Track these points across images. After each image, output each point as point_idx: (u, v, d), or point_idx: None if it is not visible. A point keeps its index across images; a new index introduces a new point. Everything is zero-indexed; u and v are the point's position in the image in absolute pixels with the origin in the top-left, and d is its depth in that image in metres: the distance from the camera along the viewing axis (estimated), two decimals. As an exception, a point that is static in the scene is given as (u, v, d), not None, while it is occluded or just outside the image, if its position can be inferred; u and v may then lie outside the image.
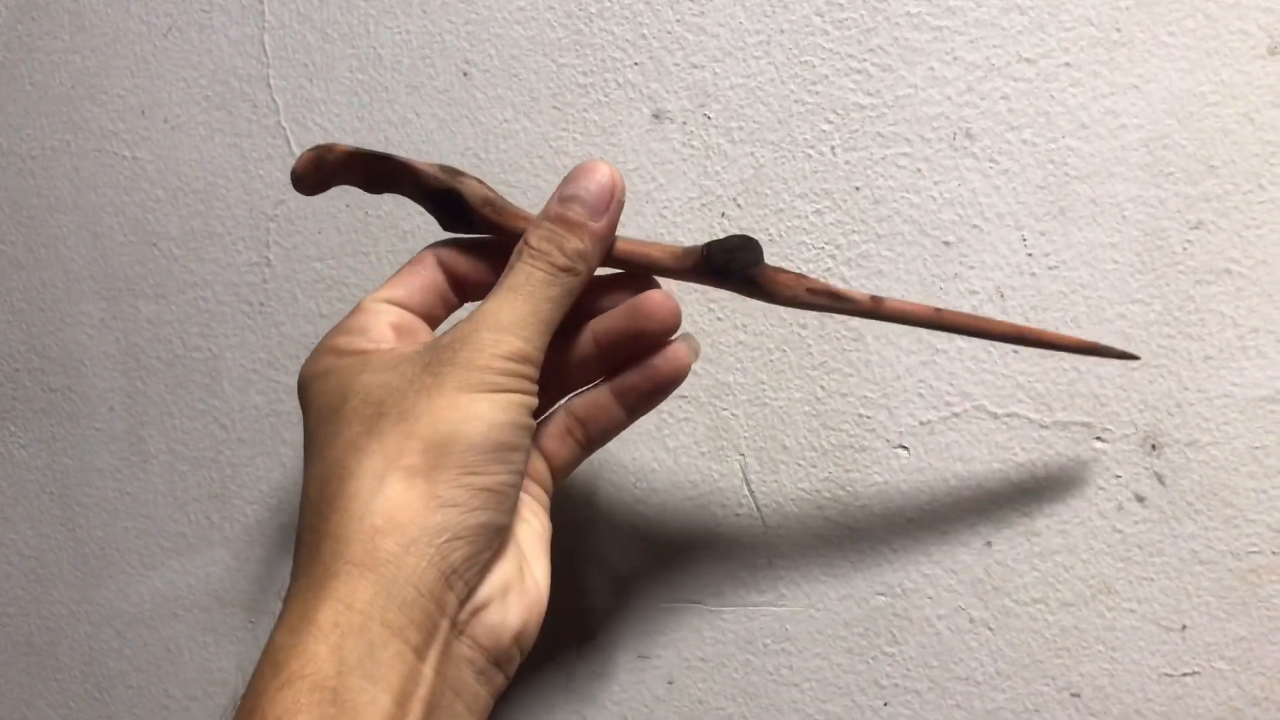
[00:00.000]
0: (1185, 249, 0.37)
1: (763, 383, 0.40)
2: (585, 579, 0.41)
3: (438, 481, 0.28)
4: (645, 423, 0.40)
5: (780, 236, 0.39)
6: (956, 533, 0.38)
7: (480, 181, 0.33)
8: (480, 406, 0.29)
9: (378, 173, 0.33)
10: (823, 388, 0.39)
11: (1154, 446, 0.37)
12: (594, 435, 0.34)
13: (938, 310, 0.33)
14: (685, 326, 0.40)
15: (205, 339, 0.45)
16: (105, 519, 0.46)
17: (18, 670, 0.48)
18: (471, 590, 0.29)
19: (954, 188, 0.38)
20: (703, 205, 0.40)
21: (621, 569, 0.41)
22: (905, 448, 0.39)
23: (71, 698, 0.48)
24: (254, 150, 0.44)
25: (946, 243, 0.38)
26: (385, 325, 0.32)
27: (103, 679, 0.47)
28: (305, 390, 0.32)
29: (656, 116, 0.40)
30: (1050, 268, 0.38)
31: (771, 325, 0.39)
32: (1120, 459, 0.37)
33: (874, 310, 0.33)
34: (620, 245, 0.33)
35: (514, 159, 0.41)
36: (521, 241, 0.31)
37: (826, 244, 0.39)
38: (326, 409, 0.30)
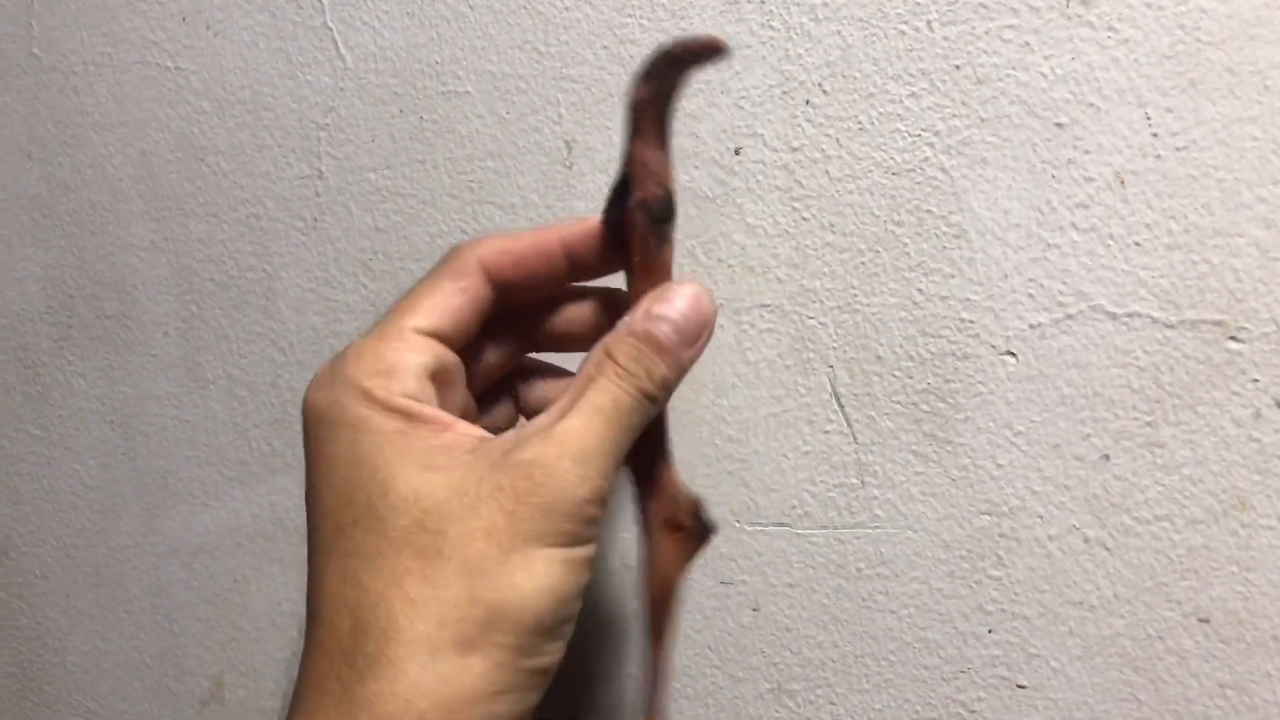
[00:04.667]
0: (1338, 120, 0.32)
1: (853, 287, 0.36)
2: (663, 502, 0.39)
3: (494, 661, 0.25)
4: (724, 335, 0.37)
5: (872, 124, 0.35)
6: (1070, 446, 0.35)
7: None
8: (555, 572, 0.25)
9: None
10: (920, 290, 0.36)
11: (1298, 346, 0.33)
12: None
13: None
14: (767, 224, 0.37)
15: (259, 259, 0.43)
16: (166, 448, 0.45)
17: (88, 602, 0.47)
18: None
19: (1067, 62, 0.34)
20: (784, 93, 0.36)
21: (701, 491, 0.38)
22: (1013, 354, 0.35)
23: (142, 629, 0.47)
24: (300, 55, 0.41)
25: (1059, 124, 0.34)
26: (423, 374, 0.27)
27: (172, 610, 0.46)
28: (320, 438, 0.27)
29: (731, -3, 0.37)
30: (1178, 149, 0.33)
31: (863, 224, 0.36)
32: (1258, 360, 0.33)
33: None
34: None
35: (576, 50, 0.38)
36: (602, 353, 0.27)
37: (924, 130, 0.35)
38: (360, 498, 0.26)
